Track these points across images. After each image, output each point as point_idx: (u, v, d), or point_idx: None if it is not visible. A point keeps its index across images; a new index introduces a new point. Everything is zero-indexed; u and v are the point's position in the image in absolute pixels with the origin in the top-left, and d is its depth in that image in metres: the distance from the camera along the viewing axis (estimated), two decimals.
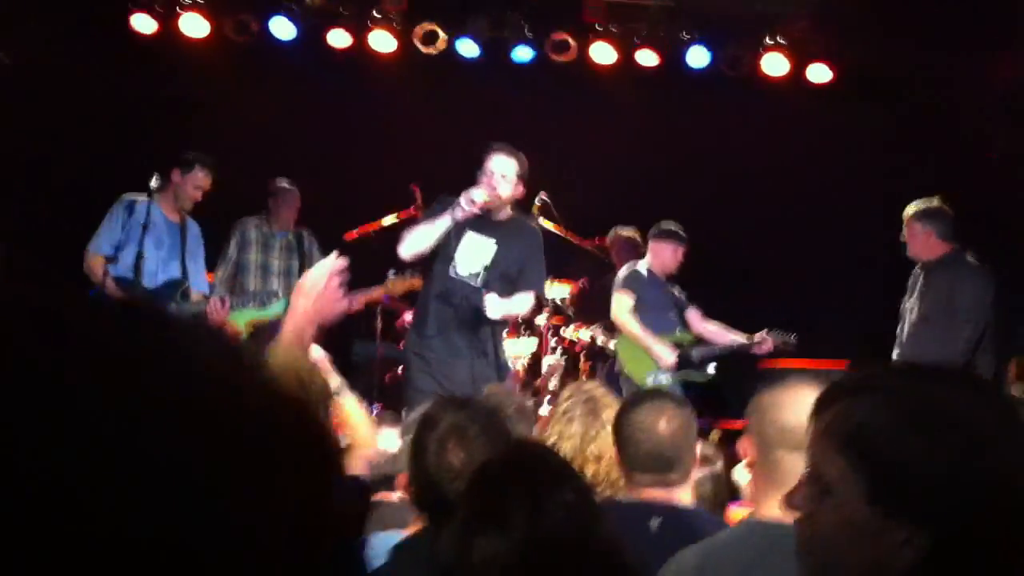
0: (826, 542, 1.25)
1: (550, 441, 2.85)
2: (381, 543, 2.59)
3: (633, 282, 6.40)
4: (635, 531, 2.42)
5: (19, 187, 7.08)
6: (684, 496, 2.64)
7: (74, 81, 7.42)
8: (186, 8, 7.63)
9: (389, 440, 3.16)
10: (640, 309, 6.35)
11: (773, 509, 2.16)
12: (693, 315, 6.63)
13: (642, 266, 6.49)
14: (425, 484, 2.28)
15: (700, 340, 6.52)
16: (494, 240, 5.15)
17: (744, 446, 2.26)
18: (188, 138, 6.52)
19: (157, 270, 5.82)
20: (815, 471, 1.28)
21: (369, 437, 3.08)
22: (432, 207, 5.25)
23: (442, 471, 2.23)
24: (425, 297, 5.26)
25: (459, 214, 4.98)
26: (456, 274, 5.13)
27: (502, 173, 5.08)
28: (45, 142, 7.21)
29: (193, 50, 7.78)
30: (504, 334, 5.79)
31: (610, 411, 2.87)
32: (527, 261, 5.24)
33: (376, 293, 5.78)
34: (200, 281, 6.11)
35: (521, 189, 5.20)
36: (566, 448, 2.81)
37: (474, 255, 5.15)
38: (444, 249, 5.13)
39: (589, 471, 2.75)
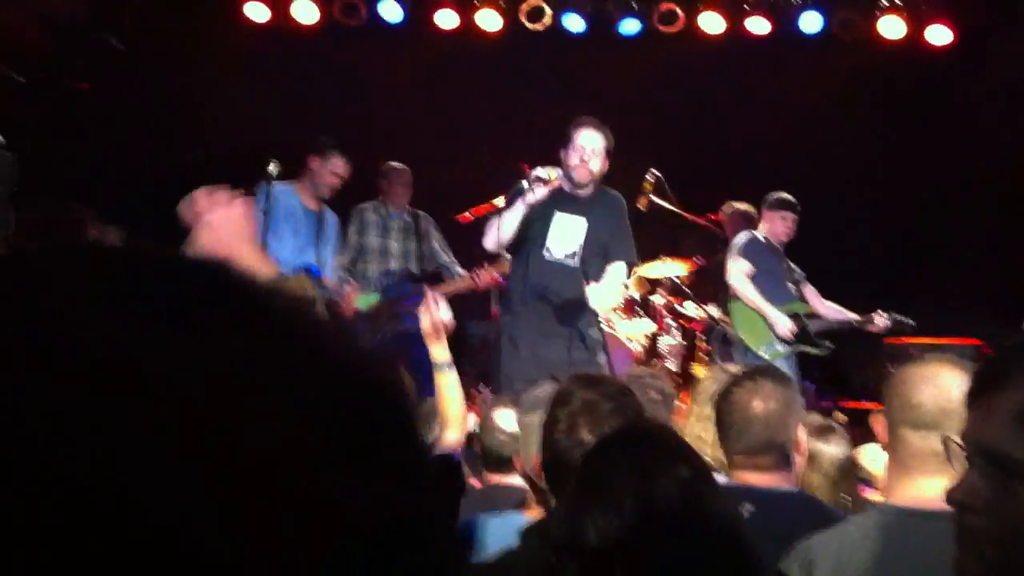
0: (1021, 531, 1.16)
1: (686, 422, 2.74)
2: (500, 525, 2.56)
3: (749, 249, 6.22)
4: None
5: (127, 173, 7.15)
6: (783, 480, 2.48)
7: (186, 68, 7.58)
8: None
9: (507, 420, 3.14)
10: (756, 277, 6.18)
11: (905, 494, 2.08)
12: (809, 291, 6.45)
13: (759, 234, 6.33)
14: (555, 464, 2.21)
15: (815, 315, 6.34)
16: (585, 218, 5.06)
17: (879, 427, 2.17)
18: (300, 126, 6.60)
19: (292, 258, 5.65)
20: (992, 457, 1.18)
21: (459, 418, 3.06)
22: (511, 193, 5.12)
23: (573, 450, 2.14)
24: (517, 282, 5.15)
25: (529, 198, 4.88)
26: (551, 256, 5.05)
27: (591, 148, 4.99)
28: (156, 129, 7.37)
29: (304, 35, 7.91)
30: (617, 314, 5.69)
31: None
32: (615, 231, 5.12)
33: (496, 272, 5.76)
34: (330, 270, 5.99)
35: (607, 163, 5.09)
36: (698, 429, 2.71)
37: (567, 235, 5.06)
38: (532, 232, 5.02)
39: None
